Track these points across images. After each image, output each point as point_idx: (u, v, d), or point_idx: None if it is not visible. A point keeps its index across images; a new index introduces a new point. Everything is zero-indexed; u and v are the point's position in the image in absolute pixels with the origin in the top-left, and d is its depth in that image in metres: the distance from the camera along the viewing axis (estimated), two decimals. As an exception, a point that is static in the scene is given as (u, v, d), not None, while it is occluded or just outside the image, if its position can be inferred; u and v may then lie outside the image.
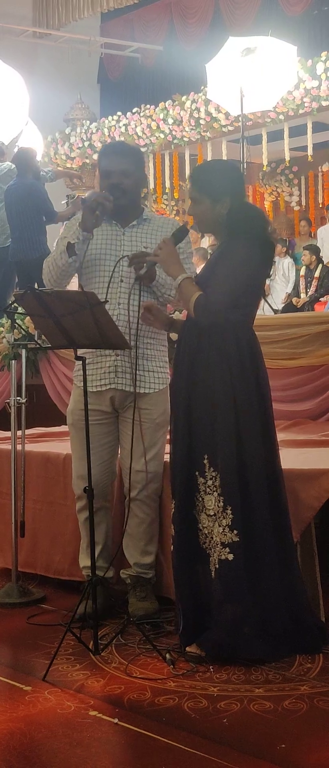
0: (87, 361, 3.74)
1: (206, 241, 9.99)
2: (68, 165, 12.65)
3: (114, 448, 3.90)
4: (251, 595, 3.29)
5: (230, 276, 3.33)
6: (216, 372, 3.34)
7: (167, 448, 4.07)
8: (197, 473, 3.37)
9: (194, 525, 3.40)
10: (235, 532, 3.27)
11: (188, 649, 3.35)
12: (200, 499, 3.37)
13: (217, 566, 3.30)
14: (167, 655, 3.32)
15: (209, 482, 3.34)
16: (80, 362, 3.79)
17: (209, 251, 3.27)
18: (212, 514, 3.33)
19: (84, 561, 3.95)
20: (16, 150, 8.31)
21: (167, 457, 3.94)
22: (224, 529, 3.29)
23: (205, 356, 3.37)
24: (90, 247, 3.72)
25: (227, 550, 3.28)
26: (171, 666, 3.27)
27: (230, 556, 3.27)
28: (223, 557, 3.28)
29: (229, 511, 3.28)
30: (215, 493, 3.33)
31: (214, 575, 3.32)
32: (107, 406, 3.78)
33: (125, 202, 3.74)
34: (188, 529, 3.40)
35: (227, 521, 3.29)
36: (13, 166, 7.95)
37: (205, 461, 3.34)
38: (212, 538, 3.34)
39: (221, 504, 3.30)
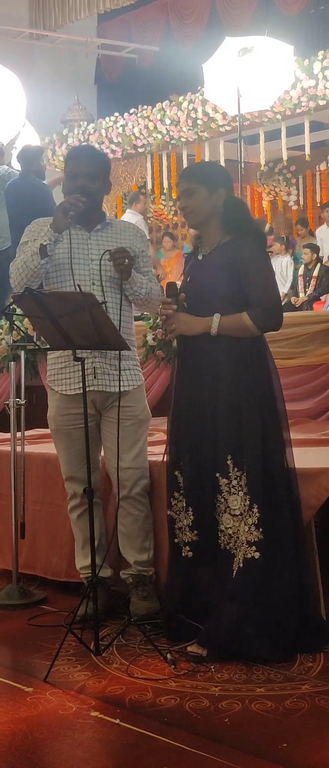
0: (64, 365, 3.80)
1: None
2: (66, 166, 12.61)
3: (97, 445, 3.92)
4: (263, 594, 3.29)
5: (267, 278, 3.40)
6: (242, 378, 3.36)
7: (157, 449, 4.09)
8: (218, 475, 3.37)
9: (214, 527, 3.40)
10: (260, 530, 3.28)
11: (189, 648, 3.35)
12: (223, 500, 3.37)
13: (241, 565, 3.30)
14: (168, 655, 3.32)
15: (234, 482, 3.34)
16: (54, 367, 3.86)
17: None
18: (238, 513, 3.34)
19: (81, 562, 3.97)
20: (13, 152, 8.29)
21: (153, 458, 3.96)
22: (250, 527, 3.29)
23: (228, 365, 3.37)
24: (58, 252, 3.75)
25: (254, 548, 3.28)
26: (172, 666, 3.27)
27: (257, 555, 3.28)
28: (249, 556, 3.29)
29: (255, 510, 3.29)
30: (240, 492, 3.33)
31: (235, 573, 3.32)
32: (89, 408, 3.77)
33: (88, 206, 3.74)
34: (211, 532, 3.40)
35: (253, 519, 3.29)
36: (10, 169, 7.92)
37: (228, 462, 3.35)
38: (237, 537, 3.34)
39: (248, 503, 3.31)
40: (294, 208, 13.37)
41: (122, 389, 3.75)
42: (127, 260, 3.68)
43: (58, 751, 2.69)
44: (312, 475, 3.56)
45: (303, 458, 3.82)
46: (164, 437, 3.82)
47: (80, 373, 3.67)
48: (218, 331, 3.36)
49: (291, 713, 2.85)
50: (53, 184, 8.23)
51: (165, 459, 3.60)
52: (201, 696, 3.01)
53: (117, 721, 2.86)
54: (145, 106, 11.45)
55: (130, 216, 9.48)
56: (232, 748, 2.63)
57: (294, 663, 3.25)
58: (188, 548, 3.46)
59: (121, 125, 11.65)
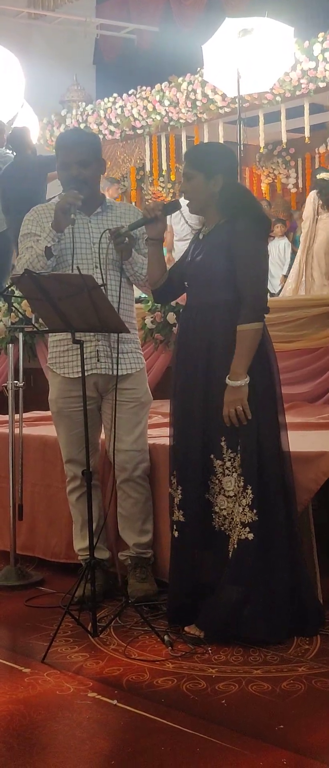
0: (66, 348, 3.80)
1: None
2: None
3: (98, 428, 3.94)
4: (259, 576, 3.30)
5: (254, 267, 3.37)
6: None
7: (156, 431, 4.09)
8: (212, 456, 3.37)
9: (208, 509, 3.40)
10: (255, 511, 3.28)
11: (186, 629, 3.37)
12: (217, 481, 3.37)
13: (236, 546, 3.31)
14: (166, 637, 3.33)
15: (228, 463, 3.34)
16: (56, 350, 3.86)
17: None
18: (232, 494, 3.34)
19: (79, 544, 3.98)
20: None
21: (152, 441, 3.96)
22: (244, 508, 3.30)
23: (223, 351, 3.34)
24: (61, 242, 3.75)
25: (248, 529, 3.28)
26: (169, 647, 3.28)
27: (251, 536, 3.28)
28: (243, 537, 3.29)
29: (249, 491, 3.29)
30: (234, 473, 3.33)
31: (231, 555, 3.32)
32: (91, 391, 3.79)
33: (85, 192, 3.74)
34: (201, 513, 3.40)
35: (247, 501, 3.29)
36: (7, 150, 7.87)
37: (222, 443, 3.34)
38: (232, 518, 3.34)
39: (242, 484, 3.31)
40: (293, 191, 13.31)
41: (124, 372, 3.78)
42: (127, 239, 3.67)
43: (55, 732, 2.70)
44: (311, 458, 3.57)
45: (301, 442, 3.82)
46: (163, 420, 3.82)
47: (84, 356, 3.68)
48: (239, 369, 3.29)
49: (288, 695, 2.87)
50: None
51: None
52: (198, 677, 3.03)
53: (114, 702, 2.87)
54: (144, 87, 11.39)
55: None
56: (229, 730, 2.64)
57: (290, 645, 3.27)
58: (175, 527, 3.47)
59: (120, 106, 11.59)
